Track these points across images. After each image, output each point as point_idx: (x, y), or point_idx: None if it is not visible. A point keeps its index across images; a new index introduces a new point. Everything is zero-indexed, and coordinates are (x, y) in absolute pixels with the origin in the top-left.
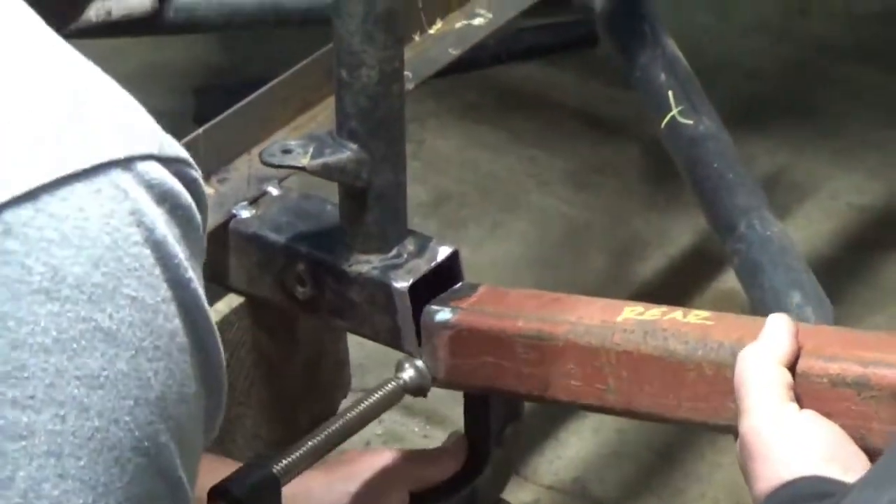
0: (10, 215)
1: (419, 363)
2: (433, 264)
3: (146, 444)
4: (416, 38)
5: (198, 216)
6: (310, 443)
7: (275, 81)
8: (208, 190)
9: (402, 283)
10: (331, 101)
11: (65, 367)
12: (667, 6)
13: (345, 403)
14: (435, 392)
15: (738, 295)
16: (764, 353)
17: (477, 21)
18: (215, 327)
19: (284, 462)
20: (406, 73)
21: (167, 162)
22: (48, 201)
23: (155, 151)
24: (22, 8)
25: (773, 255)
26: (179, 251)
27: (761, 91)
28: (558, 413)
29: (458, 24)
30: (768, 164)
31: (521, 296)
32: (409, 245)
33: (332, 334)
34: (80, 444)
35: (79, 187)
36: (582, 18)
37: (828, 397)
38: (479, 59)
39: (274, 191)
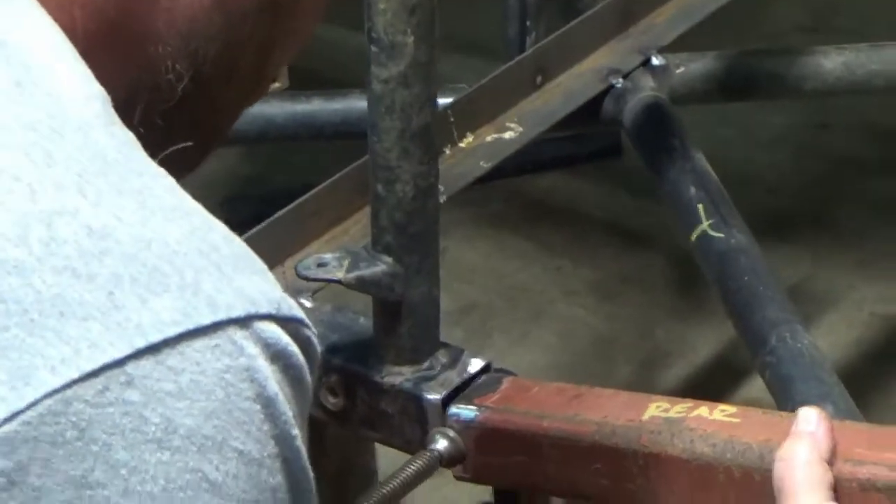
0: (133, 367)
1: (451, 433)
2: (465, 376)
3: None
4: (447, 151)
5: (308, 376)
6: None
7: (308, 195)
8: None
9: (434, 396)
10: (362, 215)
11: None
12: (689, 120)
13: None
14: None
15: (762, 405)
16: (804, 453)
17: (507, 135)
18: (314, 486)
19: None
20: (438, 186)
21: (284, 322)
22: (168, 354)
23: (273, 311)
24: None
25: (804, 369)
26: (288, 409)
27: (783, 204)
28: None
29: (488, 138)
30: (791, 275)
31: (545, 391)
32: (442, 357)
33: (360, 445)
34: None
35: (198, 343)
36: (606, 129)
37: (859, 500)
38: (504, 168)
39: (307, 303)
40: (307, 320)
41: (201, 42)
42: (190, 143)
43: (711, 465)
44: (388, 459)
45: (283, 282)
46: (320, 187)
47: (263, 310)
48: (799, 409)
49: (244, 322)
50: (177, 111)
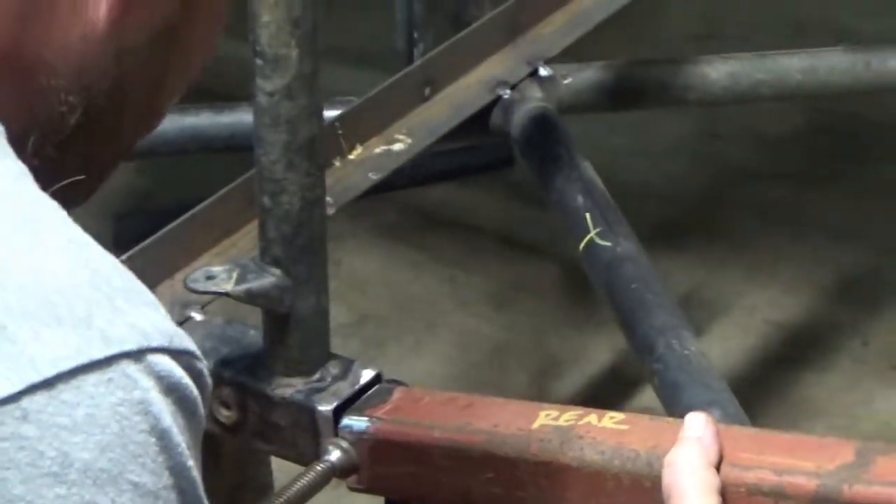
0: (27, 401)
1: (344, 444)
2: (356, 387)
3: None
4: (337, 163)
5: (201, 408)
6: None
7: (197, 208)
8: None
9: (325, 407)
10: (252, 227)
11: None
12: (580, 130)
13: None
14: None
15: (655, 413)
16: (691, 459)
17: (396, 146)
18: None
19: None
20: (327, 198)
21: (176, 354)
22: (62, 388)
23: (166, 344)
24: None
25: (692, 375)
26: (182, 440)
27: (675, 213)
28: None
29: (377, 150)
30: (683, 283)
31: (435, 401)
32: (333, 368)
33: (255, 458)
34: None
35: (92, 377)
36: (498, 141)
37: None
38: (397, 180)
39: (197, 316)
40: (199, 353)
41: (94, 76)
42: (82, 177)
43: (601, 473)
44: (286, 474)
45: (172, 295)
46: (209, 200)
47: (156, 343)
48: (686, 414)
49: (137, 355)
50: (70, 143)
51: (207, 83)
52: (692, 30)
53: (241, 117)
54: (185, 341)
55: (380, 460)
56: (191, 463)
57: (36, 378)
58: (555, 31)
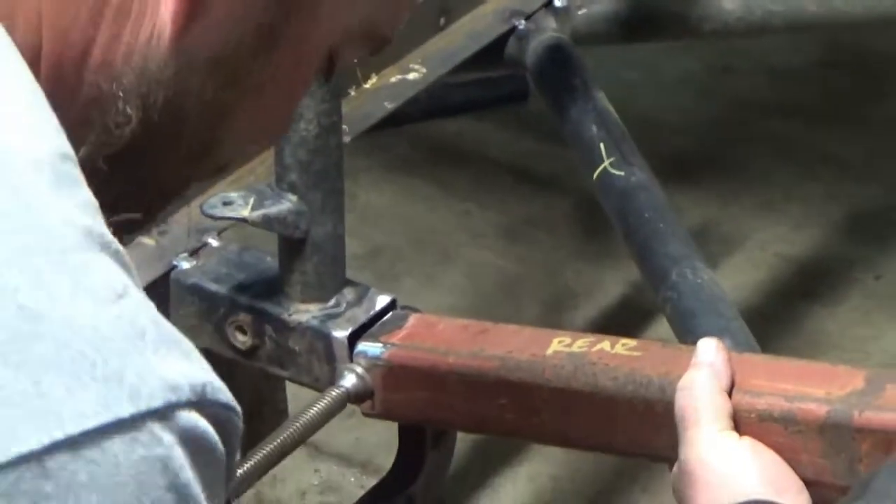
0: (50, 459)
1: (358, 370)
2: (371, 313)
3: None
4: (352, 92)
5: (223, 458)
6: (258, 454)
7: None
8: (148, 241)
9: (341, 332)
10: (268, 155)
11: None
12: (593, 63)
13: None
14: (370, 441)
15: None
16: (705, 383)
17: (411, 76)
18: None
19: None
20: (343, 126)
21: (205, 406)
22: (86, 446)
23: (194, 399)
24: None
25: (705, 303)
26: (201, 492)
27: (687, 146)
28: (492, 460)
29: (392, 79)
30: (696, 217)
31: (450, 327)
32: (348, 294)
33: (270, 384)
34: None
35: (117, 436)
36: (512, 73)
37: (757, 430)
38: (411, 113)
39: (214, 242)
40: (231, 401)
41: (153, 85)
42: (136, 216)
43: (613, 399)
44: (301, 401)
45: (188, 221)
46: None
47: (185, 398)
48: (699, 341)
49: (164, 412)
50: (121, 161)
51: None
52: None
53: None
54: (218, 392)
55: (394, 386)
56: None
57: (60, 436)
58: None
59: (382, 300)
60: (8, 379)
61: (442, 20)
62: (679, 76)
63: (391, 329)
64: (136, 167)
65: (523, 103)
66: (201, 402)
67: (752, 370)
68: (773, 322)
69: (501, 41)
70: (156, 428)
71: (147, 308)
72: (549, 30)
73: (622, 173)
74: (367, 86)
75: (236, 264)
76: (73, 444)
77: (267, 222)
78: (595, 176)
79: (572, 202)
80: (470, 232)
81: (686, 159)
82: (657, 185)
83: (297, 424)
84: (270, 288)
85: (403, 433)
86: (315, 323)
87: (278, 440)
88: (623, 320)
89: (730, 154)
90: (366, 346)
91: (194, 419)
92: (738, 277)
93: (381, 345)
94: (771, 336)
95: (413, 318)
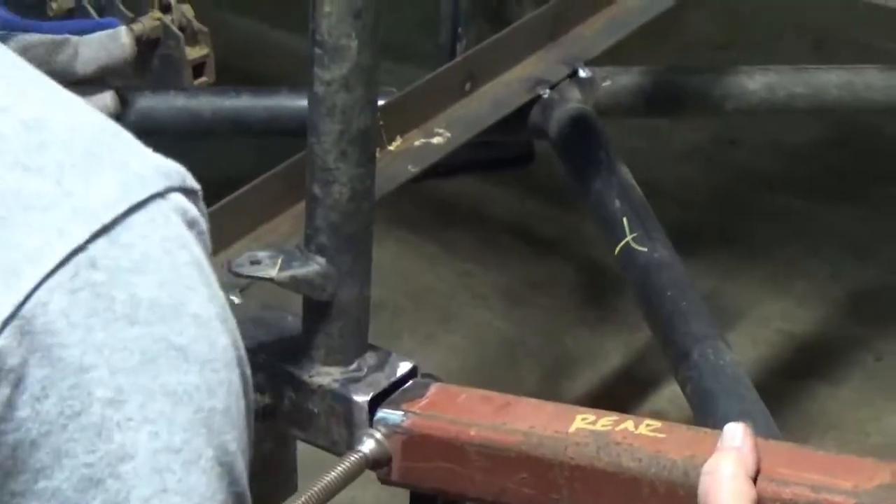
0: (93, 248)
1: (378, 435)
2: (393, 379)
3: (222, 453)
4: (377, 154)
5: (207, 236)
6: None
7: (239, 192)
8: None
9: (362, 397)
10: (293, 213)
11: (151, 386)
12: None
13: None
14: (366, 502)
15: (668, 416)
16: (730, 469)
17: (436, 140)
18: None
19: None
20: None
21: (189, 193)
22: (119, 231)
23: (180, 184)
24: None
25: (726, 385)
26: (211, 269)
27: (692, 218)
28: None
29: (417, 142)
30: (699, 289)
31: (472, 398)
32: (370, 359)
33: (281, 444)
34: (173, 458)
35: (138, 217)
36: (519, 137)
37: None
38: None
39: (235, 300)
40: (199, 189)
41: None
42: None
43: (637, 480)
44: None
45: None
46: (251, 184)
47: (176, 183)
48: (725, 425)
49: (164, 194)
50: None
51: (241, 66)
52: (714, 38)
53: (280, 102)
54: (193, 181)
55: (413, 454)
56: (220, 291)
57: (97, 225)
58: (594, 33)
59: (404, 366)
60: (34, 184)
61: (467, 85)
62: (686, 147)
63: (412, 397)
64: None
65: (528, 166)
66: (184, 187)
67: (778, 458)
68: (772, 398)
69: (525, 109)
70: (164, 209)
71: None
72: (574, 100)
73: (645, 249)
74: (391, 148)
75: (257, 322)
76: (109, 231)
77: (295, 283)
78: (617, 250)
79: (574, 267)
80: (470, 292)
81: (690, 231)
82: (680, 263)
83: (317, 488)
84: (291, 348)
85: (414, 501)
86: (336, 386)
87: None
88: (623, 388)
89: (734, 227)
90: (386, 413)
91: (186, 203)
92: (738, 352)
93: (401, 412)
94: (771, 414)
95: (434, 388)
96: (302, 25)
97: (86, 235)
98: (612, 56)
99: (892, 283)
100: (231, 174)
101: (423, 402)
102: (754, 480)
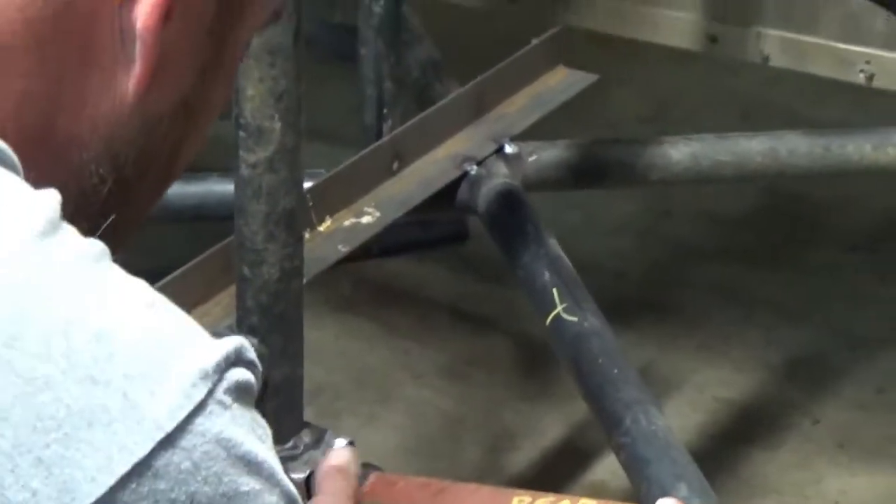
0: (156, 459)
1: None
2: None
3: None
4: (307, 234)
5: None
6: None
7: (169, 277)
8: None
9: (298, 475)
10: (225, 295)
11: None
12: (535, 205)
13: None
14: None
15: (609, 487)
16: None
17: (365, 219)
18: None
19: None
20: None
21: (245, 362)
22: (181, 437)
23: (234, 359)
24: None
25: (659, 449)
26: (263, 426)
27: (627, 289)
28: None
29: (346, 222)
30: (635, 360)
31: (410, 485)
32: (306, 437)
33: None
34: None
35: (199, 417)
36: (453, 216)
37: None
38: (352, 252)
39: None
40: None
41: (122, 146)
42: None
43: None
44: None
45: None
46: (182, 269)
47: (232, 359)
48: (657, 501)
49: (220, 380)
50: (101, 214)
51: None
52: (640, 112)
53: (210, 187)
54: (249, 351)
55: None
56: (267, 438)
57: (160, 435)
58: (518, 109)
59: (340, 443)
60: (100, 399)
61: (395, 164)
62: (619, 220)
63: None
64: (108, 214)
65: (462, 244)
66: (240, 359)
67: None
68: (711, 465)
69: (454, 186)
70: (220, 395)
71: (174, 307)
72: (501, 175)
73: (575, 319)
74: (321, 229)
75: None
76: (171, 439)
77: None
78: (548, 321)
79: (511, 342)
80: (410, 371)
81: (625, 303)
82: (610, 331)
83: None
84: None
85: None
86: None
87: None
88: (564, 462)
89: (668, 298)
90: None
91: (240, 372)
92: (676, 420)
93: None
94: (711, 480)
95: (374, 476)
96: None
97: (149, 447)
98: (538, 134)
99: (825, 347)
100: (162, 261)
101: (364, 489)
102: None
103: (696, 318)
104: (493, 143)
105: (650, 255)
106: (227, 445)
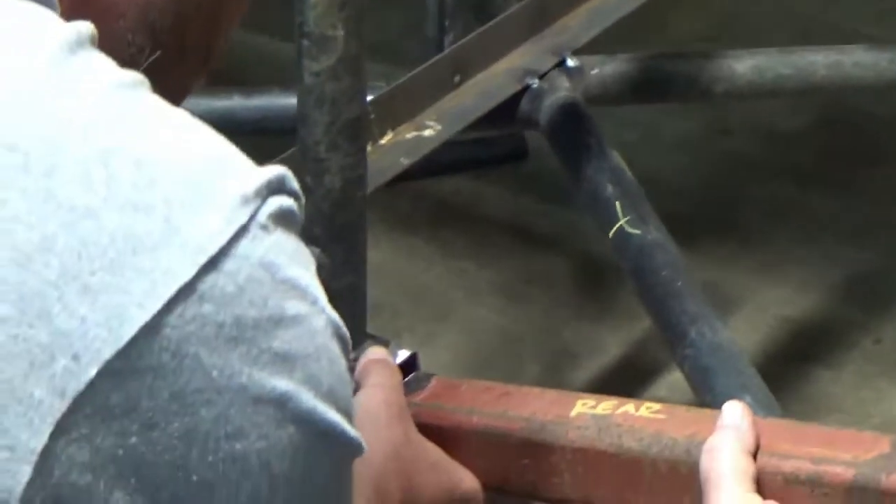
0: (200, 283)
1: None
2: None
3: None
4: (368, 147)
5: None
6: None
7: None
8: None
9: None
10: None
11: (259, 395)
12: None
13: None
14: None
15: (668, 402)
16: (729, 445)
17: (427, 132)
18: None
19: None
20: None
21: (286, 191)
22: (224, 261)
23: (277, 187)
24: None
25: (723, 361)
26: (305, 253)
27: (685, 208)
28: None
29: (408, 135)
30: (695, 278)
31: (473, 389)
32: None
33: None
34: (282, 455)
35: (242, 241)
36: (512, 133)
37: (783, 493)
38: (409, 171)
39: None
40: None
41: (156, 14)
42: None
43: (639, 460)
44: None
45: None
46: None
47: (274, 187)
48: (724, 404)
49: (263, 205)
50: None
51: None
52: (699, 31)
53: (272, 101)
54: (292, 181)
55: None
56: (310, 264)
57: (203, 259)
58: (580, 22)
59: (403, 353)
60: (143, 224)
61: (456, 78)
62: (677, 137)
63: (414, 389)
64: (154, 89)
65: (521, 162)
66: (282, 188)
67: (778, 434)
68: (773, 383)
69: (515, 100)
70: (263, 218)
71: (207, 127)
72: (563, 89)
73: (639, 232)
74: (382, 142)
75: None
76: (215, 262)
77: None
78: (611, 234)
79: (570, 262)
80: (467, 290)
81: (684, 221)
82: (673, 244)
83: None
84: None
85: None
86: None
87: None
88: (623, 380)
89: (728, 216)
90: None
91: (283, 199)
92: (737, 338)
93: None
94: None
95: (435, 380)
96: (281, 29)
97: (193, 271)
98: (597, 51)
99: (887, 266)
100: None
101: (425, 393)
102: (754, 456)
103: (756, 236)
104: (555, 56)
105: (709, 172)
106: (270, 269)
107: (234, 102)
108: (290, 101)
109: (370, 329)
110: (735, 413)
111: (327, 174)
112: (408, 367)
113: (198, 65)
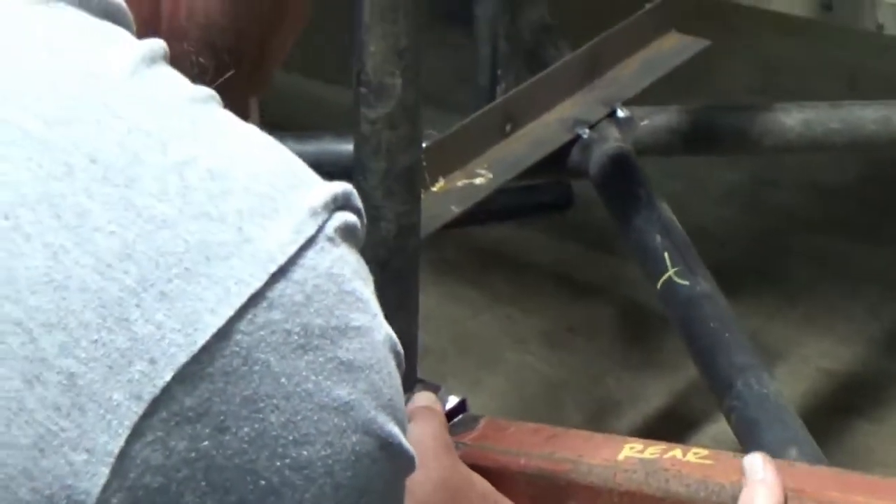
0: (270, 291)
1: None
2: (443, 412)
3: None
4: (421, 194)
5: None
6: None
7: None
8: None
9: None
10: None
11: (325, 402)
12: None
13: None
14: None
15: None
16: (762, 501)
17: (478, 180)
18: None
19: None
20: None
21: (351, 208)
22: (293, 269)
23: (343, 203)
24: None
25: (770, 413)
26: (364, 272)
27: (732, 259)
28: None
29: (459, 183)
30: (740, 328)
31: (521, 431)
32: None
33: None
34: (345, 464)
35: (310, 252)
36: (557, 181)
37: None
38: (457, 218)
39: None
40: (359, 201)
41: (217, 33)
42: None
43: None
44: None
45: None
46: None
47: (340, 202)
48: (744, 458)
49: (330, 218)
50: None
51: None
52: (747, 84)
53: (325, 147)
54: (356, 198)
55: None
56: (369, 282)
57: (273, 268)
58: (631, 73)
59: (453, 400)
60: (217, 234)
61: (508, 126)
62: (723, 189)
63: (463, 430)
64: None
65: (567, 211)
66: (347, 205)
67: (825, 482)
68: (817, 435)
69: (565, 149)
70: (329, 231)
71: (285, 148)
72: (612, 139)
73: (687, 283)
74: (434, 189)
75: None
76: (284, 271)
77: None
78: (659, 285)
79: (613, 310)
80: (513, 337)
81: (730, 271)
82: (721, 296)
83: None
84: None
85: None
86: None
87: None
88: (666, 430)
89: (774, 267)
90: None
91: (347, 215)
92: (781, 389)
93: (454, 444)
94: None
95: (484, 421)
96: (335, 75)
97: (264, 279)
98: (646, 103)
99: None
100: None
101: (474, 433)
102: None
103: (801, 288)
104: (605, 107)
105: (755, 224)
106: (336, 280)
107: (287, 147)
108: (344, 146)
109: (420, 374)
110: (758, 467)
111: (382, 220)
112: (457, 413)
113: (253, 75)
